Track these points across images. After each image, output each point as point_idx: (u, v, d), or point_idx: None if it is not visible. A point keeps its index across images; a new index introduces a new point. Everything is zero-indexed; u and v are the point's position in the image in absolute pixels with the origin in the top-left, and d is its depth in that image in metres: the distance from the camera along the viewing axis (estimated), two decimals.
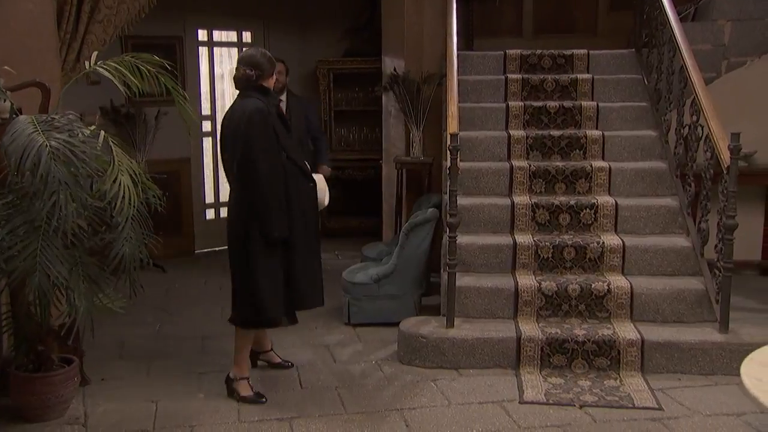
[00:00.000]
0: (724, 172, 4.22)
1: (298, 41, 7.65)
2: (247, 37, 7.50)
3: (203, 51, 7.24)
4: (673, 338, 4.22)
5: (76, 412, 3.67)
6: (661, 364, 4.18)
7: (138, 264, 3.22)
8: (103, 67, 3.34)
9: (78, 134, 3.04)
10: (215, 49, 7.36)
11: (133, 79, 3.33)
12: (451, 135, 4.39)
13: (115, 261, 3.11)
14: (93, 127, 3.25)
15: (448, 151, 4.42)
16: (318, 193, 4.02)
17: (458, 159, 4.38)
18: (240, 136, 3.69)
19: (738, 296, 5.41)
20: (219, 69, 7.42)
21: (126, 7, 4.94)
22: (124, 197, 3.03)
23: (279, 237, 3.70)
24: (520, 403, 3.82)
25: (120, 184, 3.03)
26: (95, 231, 3.36)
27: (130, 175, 3.15)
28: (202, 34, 7.21)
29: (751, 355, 2.11)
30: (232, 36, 7.46)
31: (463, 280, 4.60)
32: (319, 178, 4.09)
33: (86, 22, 4.69)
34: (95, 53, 3.59)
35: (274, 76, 3.97)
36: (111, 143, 3.14)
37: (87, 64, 3.39)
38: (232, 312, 4.00)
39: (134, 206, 3.10)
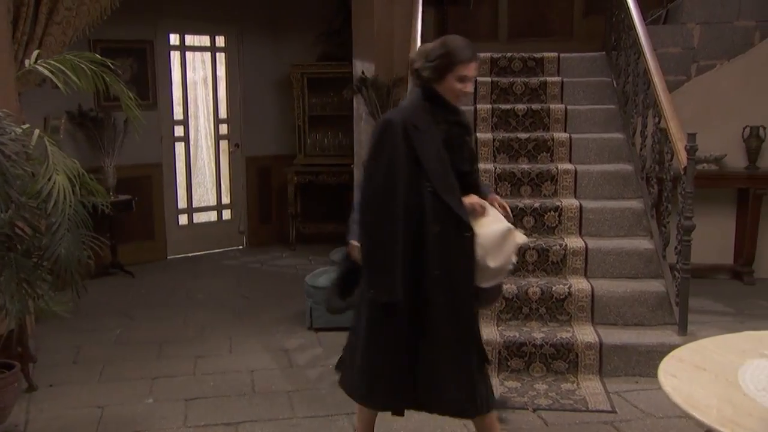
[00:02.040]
0: (682, 173, 4.17)
1: (272, 45, 7.62)
2: (220, 41, 7.48)
3: (175, 55, 7.21)
4: (632, 341, 4.16)
5: (16, 419, 3.60)
6: (619, 367, 4.13)
7: (75, 266, 3.14)
8: (43, 66, 3.28)
9: (10, 132, 2.99)
10: (188, 53, 7.32)
11: (74, 78, 3.27)
12: None
13: (50, 262, 3.04)
14: (26, 126, 3.19)
15: None
16: (479, 247, 2.65)
17: None
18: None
19: (707, 299, 5.41)
20: (192, 74, 7.38)
21: (87, 9, 4.91)
22: (58, 197, 2.97)
23: (385, 301, 2.63)
24: None
25: (54, 183, 2.97)
26: (36, 232, 3.29)
27: (68, 175, 3.09)
28: (174, 39, 7.17)
29: (673, 352, 2.07)
30: (205, 40, 7.43)
31: None
32: (486, 223, 2.71)
33: (44, 24, 4.66)
34: (36, 52, 3.54)
35: (457, 80, 2.67)
36: (46, 142, 3.09)
37: (27, 62, 3.34)
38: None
39: (71, 206, 3.04)
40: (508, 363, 4.17)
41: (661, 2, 6.42)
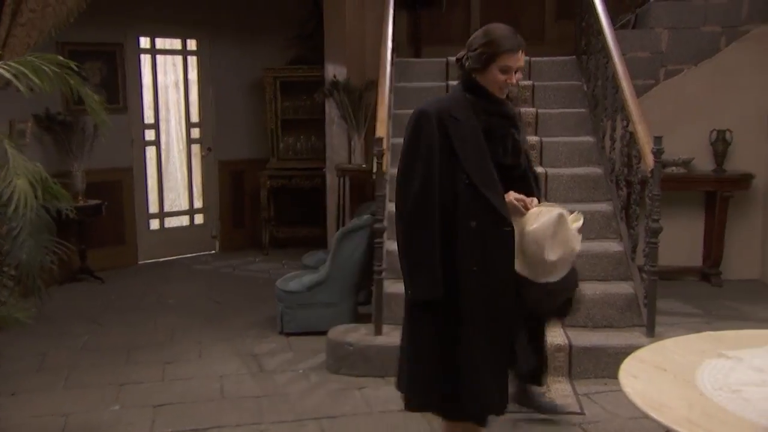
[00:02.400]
0: (649, 175, 4.21)
1: (245, 49, 7.58)
2: (191, 44, 7.43)
3: (146, 59, 7.14)
4: (601, 343, 4.19)
5: None
6: (589, 369, 4.15)
7: (38, 272, 3.09)
8: (4, 68, 3.23)
9: None
10: (159, 57, 7.26)
11: (36, 80, 3.21)
12: (376, 139, 4.34)
13: (11, 267, 2.99)
14: None
15: (374, 156, 4.37)
16: (533, 243, 2.53)
17: (384, 164, 4.33)
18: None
19: (676, 301, 5.47)
20: (163, 77, 7.31)
21: (52, 11, 4.85)
22: (18, 201, 2.92)
23: (423, 299, 2.58)
24: None
25: (15, 187, 2.92)
26: None
27: (30, 180, 3.04)
28: (144, 42, 7.11)
29: (634, 353, 2.08)
30: (176, 44, 7.38)
31: (393, 287, 4.53)
32: (533, 216, 2.57)
33: (7, 25, 4.60)
34: None
35: (501, 71, 2.53)
36: (7, 146, 3.04)
37: None
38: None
39: (32, 210, 2.99)
40: None
41: (630, 7, 6.48)
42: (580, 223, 2.64)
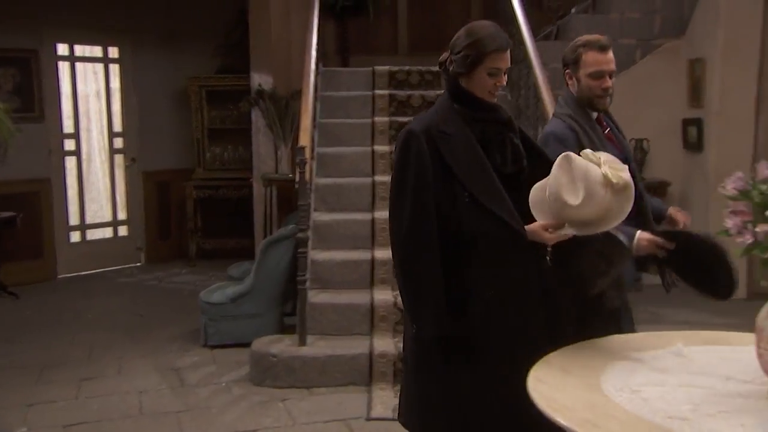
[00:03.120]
0: None
1: (170, 57, 7.43)
2: (113, 52, 7.24)
3: (64, 66, 6.92)
4: None
5: None
6: None
7: None
8: None
9: None
10: (79, 64, 7.04)
11: None
12: (298, 148, 4.31)
13: None
14: None
15: (297, 166, 4.34)
16: (544, 190, 2.18)
17: (308, 173, 4.30)
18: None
19: None
20: (83, 86, 7.09)
21: None
22: None
23: (429, 335, 2.24)
24: (366, 420, 3.74)
25: None
26: None
27: None
28: (62, 48, 6.89)
29: (545, 357, 2.10)
30: (96, 51, 7.18)
31: (318, 297, 4.52)
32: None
33: None
34: None
35: (488, 73, 2.26)
36: None
37: None
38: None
39: None
40: None
41: (552, 19, 6.65)
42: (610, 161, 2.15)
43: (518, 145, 2.35)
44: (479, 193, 2.21)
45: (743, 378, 1.88)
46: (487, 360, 2.22)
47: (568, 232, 2.15)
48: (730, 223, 1.75)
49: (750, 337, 1.87)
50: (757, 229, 1.68)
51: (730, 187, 1.78)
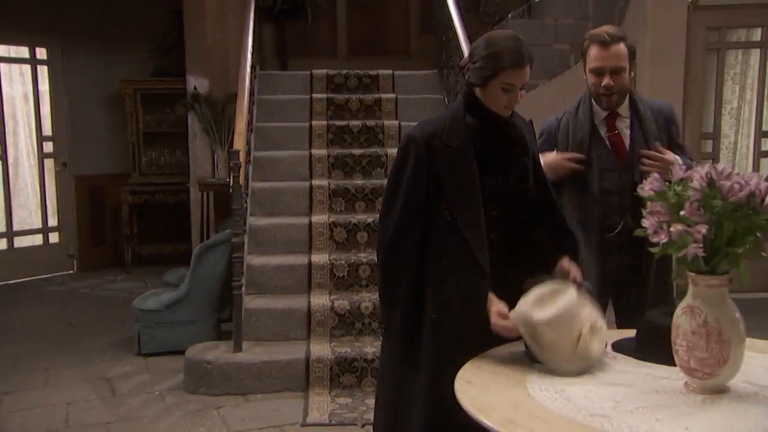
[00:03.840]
0: None
1: (102, 59, 7.25)
2: (41, 53, 7.01)
3: None
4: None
5: None
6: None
7: None
8: None
9: None
10: (3, 65, 6.79)
11: None
12: (232, 152, 4.25)
13: None
14: None
15: (230, 170, 4.27)
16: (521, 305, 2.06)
17: (242, 177, 4.25)
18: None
19: None
20: (9, 88, 6.84)
21: None
22: None
23: (398, 341, 2.29)
24: (301, 425, 3.70)
25: None
26: None
27: None
28: None
29: (472, 360, 2.11)
30: (23, 52, 6.93)
31: (254, 302, 4.46)
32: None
33: None
34: None
35: (502, 88, 2.18)
36: None
37: None
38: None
39: None
40: (340, 379, 4.14)
41: (488, 24, 6.72)
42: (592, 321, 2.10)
43: (526, 164, 2.30)
44: (460, 217, 2.19)
45: (661, 374, 1.93)
46: (430, 371, 2.23)
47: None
48: (647, 223, 1.78)
49: None
50: (672, 229, 1.72)
51: (648, 188, 1.82)
